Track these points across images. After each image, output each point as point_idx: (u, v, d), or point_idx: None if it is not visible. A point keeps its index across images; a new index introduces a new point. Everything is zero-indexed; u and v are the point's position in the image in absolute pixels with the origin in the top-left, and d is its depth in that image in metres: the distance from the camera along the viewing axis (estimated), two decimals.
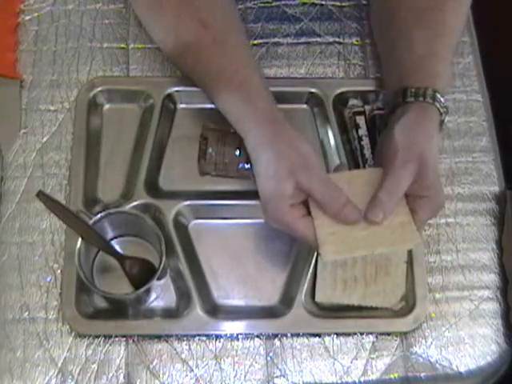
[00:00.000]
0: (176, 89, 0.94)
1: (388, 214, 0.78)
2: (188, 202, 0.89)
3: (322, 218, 0.79)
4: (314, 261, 0.87)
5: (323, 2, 1.04)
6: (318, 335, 0.86)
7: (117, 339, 0.85)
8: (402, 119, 0.82)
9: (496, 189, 0.95)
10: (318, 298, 0.86)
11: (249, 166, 0.90)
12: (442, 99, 0.83)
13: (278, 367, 0.85)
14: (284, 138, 0.80)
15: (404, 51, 0.87)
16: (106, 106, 0.96)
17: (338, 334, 0.86)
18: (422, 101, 0.82)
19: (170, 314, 0.86)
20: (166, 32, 0.87)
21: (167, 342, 0.85)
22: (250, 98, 0.82)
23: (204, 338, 0.85)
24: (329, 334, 0.86)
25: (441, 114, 0.83)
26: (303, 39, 1.01)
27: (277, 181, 0.78)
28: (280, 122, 0.82)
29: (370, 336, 0.86)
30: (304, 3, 1.04)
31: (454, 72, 1.00)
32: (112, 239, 0.89)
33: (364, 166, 0.93)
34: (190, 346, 0.85)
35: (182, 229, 0.89)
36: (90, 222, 0.83)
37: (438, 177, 0.82)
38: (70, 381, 0.83)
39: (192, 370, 0.84)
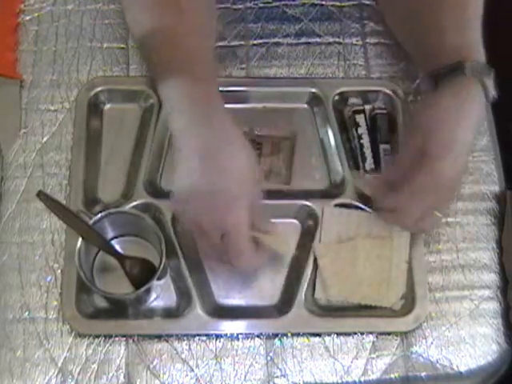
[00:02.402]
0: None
1: (386, 183, 0.81)
2: None
3: (325, 259, 0.85)
4: (313, 260, 0.87)
5: (323, 2, 1.04)
6: (319, 335, 0.86)
7: (117, 339, 0.85)
8: (423, 101, 0.83)
9: (496, 188, 0.95)
10: (331, 297, 0.86)
11: None
12: (479, 67, 0.79)
13: (278, 367, 0.85)
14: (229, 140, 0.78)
15: (430, 24, 0.85)
16: (106, 106, 0.96)
17: (338, 334, 0.86)
18: (459, 77, 0.79)
19: (170, 313, 0.86)
20: (142, 10, 0.83)
21: (167, 341, 0.85)
22: (201, 95, 0.79)
23: (204, 338, 0.85)
24: (329, 334, 0.86)
25: (485, 84, 0.79)
26: (303, 39, 1.02)
27: (237, 181, 0.76)
28: (226, 122, 0.79)
29: (371, 336, 0.86)
30: (304, 3, 1.04)
31: None
32: (112, 239, 0.89)
33: (363, 165, 0.93)
34: (190, 345, 0.85)
35: (181, 229, 0.89)
36: (90, 221, 0.83)
37: (450, 151, 0.78)
38: (70, 381, 0.83)
39: (192, 370, 0.84)
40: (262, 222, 0.80)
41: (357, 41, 1.02)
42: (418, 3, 0.87)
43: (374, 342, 0.86)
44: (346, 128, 0.96)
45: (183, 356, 0.85)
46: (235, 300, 0.88)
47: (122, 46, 0.99)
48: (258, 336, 0.86)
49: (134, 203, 0.89)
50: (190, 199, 0.76)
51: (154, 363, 0.84)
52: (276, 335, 0.86)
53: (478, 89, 0.80)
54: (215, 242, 0.77)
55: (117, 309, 0.87)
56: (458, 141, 0.79)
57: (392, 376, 0.85)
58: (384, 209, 0.86)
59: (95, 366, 0.84)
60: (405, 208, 0.82)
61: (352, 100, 0.97)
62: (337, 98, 0.96)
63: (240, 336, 0.86)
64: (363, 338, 0.86)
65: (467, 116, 0.79)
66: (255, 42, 1.01)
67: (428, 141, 0.79)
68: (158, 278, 0.83)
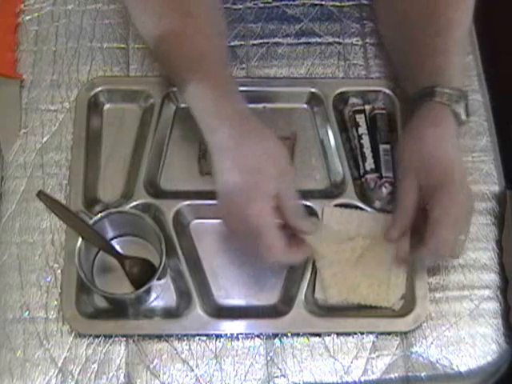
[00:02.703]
0: (176, 89, 0.94)
1: (403, 228, 0.81)
2: (188, 202, 0.89)
3: (324, 260, 0.85)
4: (313, 260, 0.87)
5: (323, 3, 1.04)
6: (319, 335, 0.86)
7: (117, 339, 0.85)
8: (408, 126, 0.83)
9: (496, 188, 0.95)
10: (330, 299, 0.86)
11: None
12: (451, 92, 0.81)
13: (278, 367, 0.85)
14: (261, 137, 0.78)
15: (411, 51, 0.88)
16: (106, 106, 0.96)
17: (338, 334, 0.86)
18: (430, 101, 0.82)
19: (170, 313, 0.86)
20: (150, 16, 0.84)
21: (167, 341, 0.85)
22: (224, 94, 0.79)
23: (204, 338, 0.85)
24: (329, 334, 0.86)
25: (454, 110, 0.82)
26: (303, 39, 1.02)
27: (262, 177, 0.76)
28: (253, 119, 0.79)
29: (371, 336, 0.86)
30: (304, 3, 1.04)
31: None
32: (112, 239, 0.89)
33: (363, 165, 0.93)
34: (190, 345, 0.85)
35: (182, 229, 0.90)
36: (90, 221, 0.83)
37: (454, 171, 0.80)
38: (70, 381, 0.83)
39: (192, 370, 0.84)
40: (296, 219, 0.79)
41: (357, 41, 1.02)
42: (409, 23, 0.89)
43: (374, 342, 0.86)
44: (346, 128, 0.96)
45: (183, 356, 0.85)
46: (235, 300, 0.88)
47: (122, 46, 0.99)
48: (258, 336, 0.86)
49: (134, 203, 0.89)
50: (232, 200, 0.77)
51: (154, 363, 0.84)
52: (276, 335, 0.86)
53: (447, 114, 0.82)
54: (246, 240, 0.78)
55: (117, 309, 0.87)
56: (453, 161, 0.80)
57: (392, 376, 0.85)
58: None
59: (95, 366, 0.84)
60: (441, 245, 0.80)
61: (352, 100, 0.97)
62: (337, 98, 0.96)
63: (240, 336, 0.86)
64: (363, 338, 0.86)
65: (445, 139, 0.81)
66: (255, 42, 1.01)
67: (429, 176, 0.80)
68: (158, 278, 0.83)
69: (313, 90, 0.96)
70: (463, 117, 0.83)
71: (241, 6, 1.03)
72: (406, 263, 0.85)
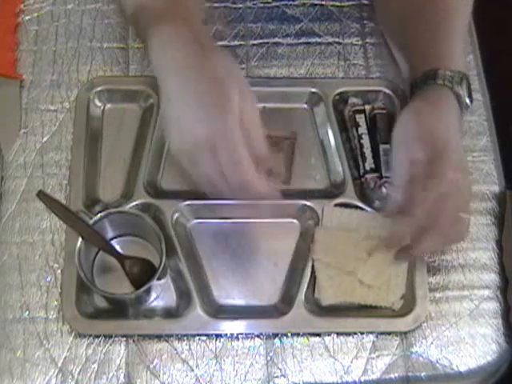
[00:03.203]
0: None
1: (399, 202, 0.79)
2: (188, 202, 0.89)
3: (321, 262, 0.86)
4: (313, 260, 0.87)
5: (323, 2, 1.04)
6: (319, 335, 0.86)
7: (117, 339, 0.85)
8: (408, 105, 0.83)
9: (496, 188, 0.95)
10: (324, 302, 0.86)
11: None
12: (452, 75, 0.81)
13: (278, 367, 0.85)
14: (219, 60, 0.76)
15: (410, 39, 0.88)
16: (106, 106, 0.96)
17: (338, 334, 0.86)
18: (432, 83, 0.81)
19: (170, 313, 0.86)
20: None
21: (167, 341, 0.85)
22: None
23: (204, 338, 0.85)
24: (329, 334, 0.86)
25: (456, 92, 0.81)
26: (303, 39, 1.02)
27: (227, 88, 0.72)
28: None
29: (371, 335, 0.86)
30: (304, 3, 1.04)
31: None
32: (112, 239, 0.89)
33: (363, 165, 0.92)
34: (190, 345, 0.85)
35: (181, 229, 0.90)
36: (90, 221, 0.83)
37: (449, 148, 0.79)
38: (70, 381, 0.83)
39: (192, 370, 0.84)
40: (256, 141, 0.75)
41: (357, 41, 1.02)
42: (408, 11, 0.89)
43: (373, 342, 0.86)
44: (346, 128, 0.96)
45: (183, 356, 0.85)
46: (235, 300, 0.88)
47: (122, 45, 0.99)
48: (258, 336, 0.86)
49: (134, 203, 0.89)
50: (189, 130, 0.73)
51: (154, 363, 0.84)
52: (276, 335, 0.86)
53: (449, 95, 0.81)
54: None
55: (117, 309, 0.87)
56: (449, 138, 0.79)
57: (392, 376, 0.85)
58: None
59: (95, 365, 0.84)
60: (433, 224, 0.79)
61: (352, 100, 0.97)
62: (337, 97, 0.96)
63: (240, 336, 0.86)
64: (363, 338, 0.86)
65: (443, 117, 0.81)
66: (255, 41, 1.01)
67: (423, 150, 0.79)
68: (158, 278, 0.83)
69: (313, 89, 0.96)
70: (466, 99, 0.82)
71: (241, 6, 1.03)
72: (407, 256, 0.85)
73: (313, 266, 0.87)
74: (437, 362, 0.86)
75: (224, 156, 0.73)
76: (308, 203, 0.90)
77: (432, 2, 0.87)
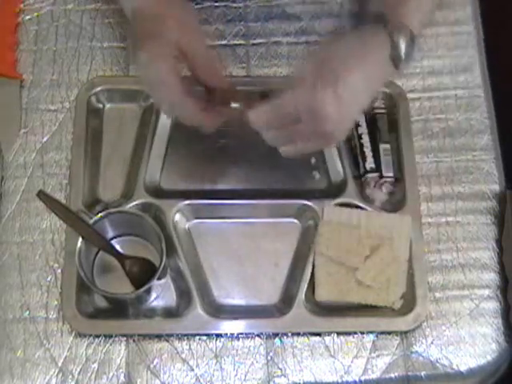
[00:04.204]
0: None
1: (264, 120, 0.77)
2: (188, 202, 0.89)
3: (321, 257, 0.86)
4: (313, 260, 0.87)
5: (323, 1, 1.04)
6: (319, 334, 0.86)
7: (117, 339, 0.85)
8: (333, 36, 0.83)
9: (496, 188, 0.94)
10: (318, 297, 0.86)
11: None
12: (398, 24, 0.78)
13: (278, 366, 0.85)
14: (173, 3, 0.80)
15: None
16: (106, 106, 0.96)
17: (338, 333, 0.86)
18: (370, 25, 0.79)
19: (170, 313, 0.87)
20: None
21: (168, 341, 0.85)
22: None
23: (204, 338, 0.85)
24: (329, 333, 0.86)
25: (394, 39, 0.78)
26: (303, 38, 1.01)
27: (160, 33, 0.77)
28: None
29: (371, 335, 0.86)
30: (304, 2, 1.04)
31: (457, 67, 1.00)
32: (112, 239, 0.89)
33: (363, 165, 0.92)
34: (190, 345, 0.85)
35: (181, 229, 0.90)
36: (91, 221, 0.83)
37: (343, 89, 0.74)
38: (70, 380, 0.83)
39: (192, 370, 0.84)
40: (205, 70, 0.79)
41: None
42: None
43: (374, 342, 0.86)
44: None
45: (183, 356, 0.85)
46: (235, 300, 0.88)
47: (122, 45, 0.99)
48: (258, 336, 0.86)
49: (134, 203, 0.89)
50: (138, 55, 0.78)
51: (155, 363, 0.84)
52: (276, 335, 0.86)
53: (385, 40, 0.78)
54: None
55: (117, 309, 0.87)
56: (351, 71, 0.75)
57: (392, 375, 0.85)
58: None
59: (95, 365, 0.84)
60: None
61: None
62: None
63: (240, 336, 0.86)
64: (363, 338, 0.86)
65: (367, 54, 0.77)
66: (255, 41, 1.01)
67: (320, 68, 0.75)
68: (159, 278, 0.83)
69: None
70: (402, 52, 0.78)
71: (241, 5, 1.03)
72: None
73: (313, 265, 0.87)
74: (437, 361, 0.86)
75: (173, 109, 0.80)
76: (308, 203, 0.90)
77: None
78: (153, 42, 0.77)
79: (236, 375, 0.84)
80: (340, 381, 0.85)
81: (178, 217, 0.89)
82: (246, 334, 0.86)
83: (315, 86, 0.73)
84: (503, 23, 1.22)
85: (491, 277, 0.90)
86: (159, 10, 0.80)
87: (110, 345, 0.85)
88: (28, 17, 1.00)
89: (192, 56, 0.79)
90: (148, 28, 0.79)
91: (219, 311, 0.86)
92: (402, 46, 0.79)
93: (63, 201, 0.90)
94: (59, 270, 0.87)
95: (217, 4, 1.02)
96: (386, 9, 0.81)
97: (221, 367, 0.85)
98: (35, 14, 1.00)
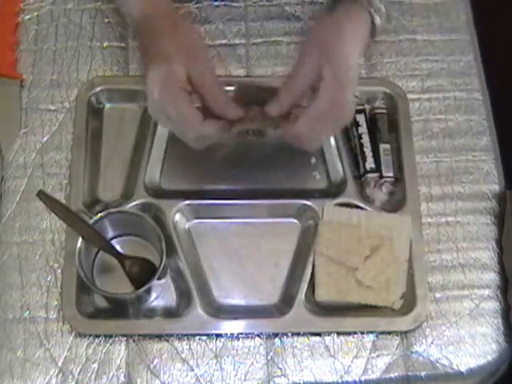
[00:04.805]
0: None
1: (285, 108, 0.79)
2: (188, 202, 0.89)
3: (322, 257, 0.86)
4: (313, 260, 0.87)
5: (323, 1, 1.04)
6: (319, 334, 0.86)
7: (117, 339, 0.85)
8: (321, 17, 0.85)
9: (496, 188, 0.95)
10: (318, 297, 0.86)
11: None
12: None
13: (278, 366, 0.85)
14: (180, 27, 0.82)
15: None
16: (106, 106, 0.96)
17: (338, 333, 0.86)
18: (349, 1, 0.83)
19: (170, 313, 0.87)
20: None
21: (168, 341, 0.85)
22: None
23: (204, 338, 0.85)
24: (329, 334, 0.86)
25: (371, 12, 0.83)
26: (303, 38, 1.01)
27: (169, 63, 0.78)
28: (176, 13, 0.85)
29: (371, 335, 0.86)
30: (304, 2, 1.04)
31: (455, 70, 1.00)
32: (112, 239, 0.89)
33: (364, 165, 0.92)
34: (190, 345, 0.85)
35: (181, 228, 0.90)
36: (91, 221, 0.83)
37: (348, 74, 0.79)
38: (70, 380, 0.83)
39: (192, 370, 0.84)
40: (216, 102, 0.80)
41: None
42: None
43: (374, 342, 0.86)
44: (345, 127, 0.95)
45: (183, 356, 0.85)
46: (235, 300, 0.88)
47: (122, 45, 0.99)
48: (258, 336, 0.86)
49: (134, 203, 0.89)
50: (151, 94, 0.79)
51: (155, 363, 0.84)
52: (276, 335, 0.86)
53: (364, 13, 0.83)
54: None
55: (117, 309, 0.87)
56: (345, 60, 0.80)
57: (392, 375, 0.85)
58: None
59: (95, 365, 0.84)
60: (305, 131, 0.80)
61: None
62: None
63: (240, 336, 0.86)
64: (363, 338, 0.86)
65: (351, 33, 0.82)
66: (255, 40, 1.01)
67: (321, 64, 0.79)
68: (159, 278, 0.83)
69: None
70: (378, 21, 0.84)
71: (241, 4, 1.03)
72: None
73: (313, 265, 0.87)
74: (437, 361, 0.86)
75: (178, 123, 0.79)
76: (308, 203, 0.90)
77: None
78: (165, 80, 0.78)
79: (236, 375, 0.84)
80: (340, 381, 0.85)
81: (178, 217, 0.89)
82: (246, 333, 0.86)
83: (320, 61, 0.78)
84: (497, 28, 1.23)
85: (491, 277, 0.90)
86: (166, 33, 0.80)
87: (110, 345, 0.85)
88: (28, 17, 1.00)
89: (203, 90, 0.79)
90: (156, 56, 0.79)
91: (219, 311, 0.86)
92: (378, 19, 0.84)
93: (63, 201, 0.90)
94: (59, 270, 0.87)
95: (217, 3, 1.02)
96: None
97: (221, 367, 0.85)
98: (35, 13, 1.00)
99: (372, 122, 0.95)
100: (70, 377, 0.83)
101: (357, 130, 0.95)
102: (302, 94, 0.80)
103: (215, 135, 0.81)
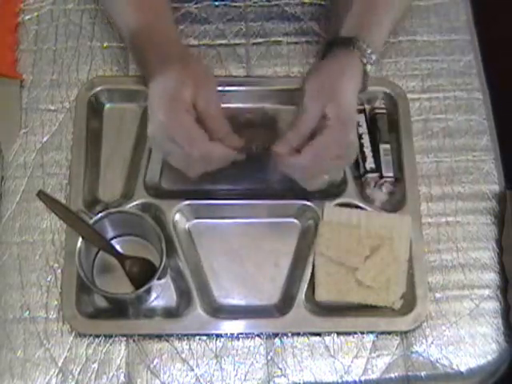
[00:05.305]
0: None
1: (293, 146, 0.81)
2: (188, 202, 0.89)
3: (322, 257, 0.86)
4: (313, 260, 0.87)
5: (323, 2, 1.04)
6: (319, 334, 0.86)
7: (117, 339, 0.85)
8: (319, 63, 0.86)
9: (496, 188, 0.95)
10: (318, 297, 0.86)
11: None
12: (365, 47, 0.84)
13: (278, 366, 0.85)
14: (190, 61, 0.83)
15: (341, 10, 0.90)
16: (106, 106, 0.96)
17: (338, 333, 0.86)
18: (344, 48, 0.84)
19: (170, 313, 0.87)
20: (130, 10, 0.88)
21: (168, 341, 0.85)
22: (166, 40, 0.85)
23: (204, 338, 0.85)
24: (329, 333, 0.86)
25: (363, 61, 0.84)
26: (303, 38, 1.02)
27: (178, 85, 0.79)
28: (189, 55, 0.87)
29: (371, 335, 0.86)
30: (304, 2, 1.04)
31: (455, 70, 1.01)
32: (112, 239, 0.89)
33: (363, 165, 0.92)
34: (190, 345, 0.85)
35: (182, 228, 0.90)
36: (91, 221, 0.83)
37: (350, 115, 0.82)
38: (70, 380, 0.83)
39: (192, 370, 0.84)
40: (219, 130, 0.81)
41: None
42: None
43: (374, 342, 0.86)
44: None
45: (183, 356, 0.85)
46: (235, 300, 0.88)
47: (122, 45, 0.99)
48: (258, 336, 0.86)
49: (134, 203, 0.89)
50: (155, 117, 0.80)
51: (155, 363, 0.84)
52: (276, 335, 0.86)
53: (357, 60, 0.84)
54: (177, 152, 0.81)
55: (117, 309, 0.87)
56: (345, 103, 0.82)
57: (392, 375, 0.85)
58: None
59: (95, 365, 0.84)
60: (307, 168, 0.82)
61: None
62: None
63: (240, 336, 0.86)
64: (363, 338, 0.86)
65: (348, 77, 0.83)
66: (255, 40, 1.01)
67: (325, 107, 0.80)
68: (159, 278, 0.83)
69: None
70: (370, 64, 0.85)
71: (241, 4, 1.03)
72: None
73: (313, 265, 0.87)
74: (437, 361, 0.86)
75: (183, 142, 0.79)
76: (308, 203, 0.90)
77: None
78: (171, 101, 0.79)
79: (236, 375, 0.84)
80: (340, 381, 0.85)
81: (178, 217, 0.89)
82: (245, 334, 0.86)
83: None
84: (497, 28, 1.23)
85: (491, 277, 0.90)
86: (174, 56, 0.82)
87: (110, 345, 0.85)
88: (28, 17, 1.00)
89: (207, 119, 0.80)
90: (161, 72, 0.80)
91: (219, 311, 0.86)
92: (369, 67, 0.85)
93: (63, 201, 0.90)
94: (59, 270, 0.87)
95: (217, 3, 1.02)
96: (355, 33, 0.85)
97: (221, 367, 0.85)
98: (35, 13, 1.00)
99: (372, 122, 0.95)
100: (70, 377, 0.83)
101: (357, 130, 0.94)
102: (310, 133, 0.81)
103: (220, 157, 0.81)
